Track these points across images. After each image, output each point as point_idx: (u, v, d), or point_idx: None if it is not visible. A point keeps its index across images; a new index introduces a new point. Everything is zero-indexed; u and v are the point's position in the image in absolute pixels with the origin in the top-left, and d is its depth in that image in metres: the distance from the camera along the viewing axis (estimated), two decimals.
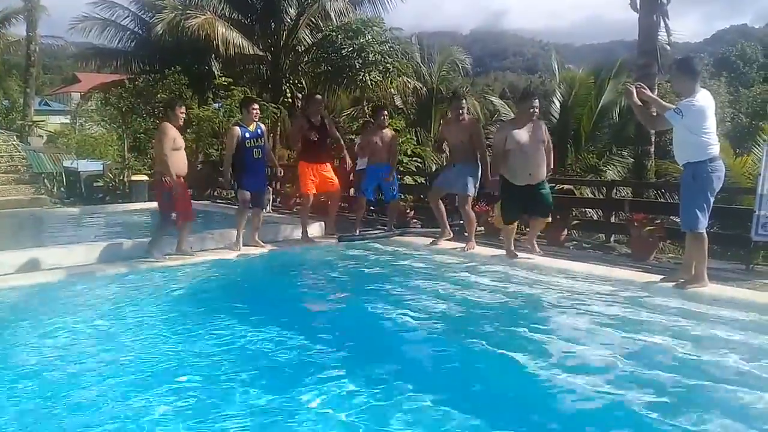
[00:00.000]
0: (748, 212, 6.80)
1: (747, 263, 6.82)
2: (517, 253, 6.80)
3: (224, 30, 16.64)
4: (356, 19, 18.06)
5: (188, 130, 15.57)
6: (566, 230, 8.60)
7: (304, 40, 19.24)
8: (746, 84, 48.40)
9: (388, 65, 17.36)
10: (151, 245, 6.89)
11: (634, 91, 5.53)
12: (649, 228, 7.31)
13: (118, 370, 3.74)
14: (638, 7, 9.56)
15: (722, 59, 62.34)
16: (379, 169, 8.80)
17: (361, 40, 16.72)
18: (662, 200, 11.14)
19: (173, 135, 6.85)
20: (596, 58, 30.70)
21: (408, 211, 10.09)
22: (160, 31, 16.71)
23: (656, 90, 9.40)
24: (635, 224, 7.46)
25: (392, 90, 19.66)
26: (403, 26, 23.30)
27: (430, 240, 7.87)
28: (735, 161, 10.00)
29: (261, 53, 18.41)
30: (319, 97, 8.92)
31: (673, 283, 5.52)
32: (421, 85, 22.29)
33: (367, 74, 17.00)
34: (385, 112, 9.20)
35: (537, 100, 6.72)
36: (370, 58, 16.81)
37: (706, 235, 5.31)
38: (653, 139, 11.44)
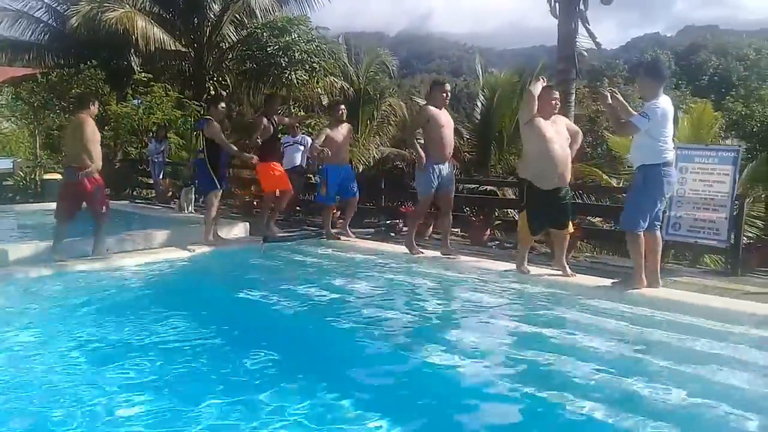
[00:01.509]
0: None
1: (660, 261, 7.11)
2: (529, 269, 6.19)
3: (144, 24, 16.16)
4: (282, 17, 17.88)
5: (106, 128, 15.03)
6: (489, 230, 8.77)
7: (229, 36, 18.91)
8: None
9: (314, 64, 17.28)
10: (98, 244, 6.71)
11: (609, 96, 5.51)
12: None
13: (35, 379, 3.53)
14: (558, 13, 9.83)
15: (637, 65, 65.10)
16: (340, 169, 8.13)
17: (287, 38, 16.57)
18: (579, 201, 11.51)
19: (94, 126, 6.64)
20: (518, 62, 31.50)
21: (335, 211, 10.04)
22: (75, 24, 16.06)
23: (573, 95, 9.70)
24: None
25: (319, 90, 19.54)
26: (329, 26, 23.23)
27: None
28: None
29: (183, 49, 17.97)
30: (278, 97, 8.78)
31: (616, 286, 5.56)
32: (348, 86, 22.24)
33: (293, 73, 16.86)
34: (343, 106, 8.57)
35: (557, 93, 6.13)
36: (296, 57, 16.68)
37: (642, 238, 5.33)
38: None
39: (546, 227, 6.19)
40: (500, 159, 18.62)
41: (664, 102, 5.26)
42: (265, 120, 8.20)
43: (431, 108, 6.87)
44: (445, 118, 6.88)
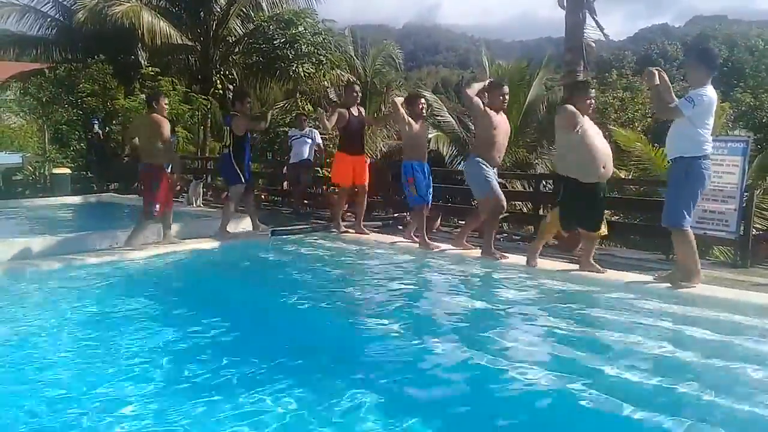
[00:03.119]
0: None
1: (667, 253, 7.10)
2: (538, 262, 6.14)
3: (150, 18, 16.17)
4: (288, 10, 17.86)
5: (113, 122, 15.09)
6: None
7: (235, 30, 18.90)
8: None
9: (321, 57, 17.26)
10: (134, 236, 6.99)
11: (657, 75, 5.30)
12: None
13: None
14: (565, 5, 9.78)
15: (645, 57, 64.73)
16: (425, 165, 7.37)
17: (294, 31, 16.55)
18: None
19: (159, 123, 6.95)
20: (525, 53, 31.37)
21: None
22: (82, 18, 16.10)
23: None
24: None
25: (326, 83, 19.53)
26: (336, 19, 23.24)
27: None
28: (656, 154, 10.39)
29: (190, 43, 17.98)
30: (357, 86, 8.30)
31: (667, 284, 5.35)
32: (354, 79, 22.17)
33: (299, 66, 16.85)
34: (423, 99, 7.79)
35: (594, 91, 5.87)
36: (302, 50, 16.66)
37: (691, 232, 5.17)
38: None
39: (575, 226, 5.96)
40: (508, 151, 18.56)
41: (711, 92, 5.12)
42: (344, 111, 7.87)
43: (489, 111, 6.48)
44: (502, 122, 6.56)
